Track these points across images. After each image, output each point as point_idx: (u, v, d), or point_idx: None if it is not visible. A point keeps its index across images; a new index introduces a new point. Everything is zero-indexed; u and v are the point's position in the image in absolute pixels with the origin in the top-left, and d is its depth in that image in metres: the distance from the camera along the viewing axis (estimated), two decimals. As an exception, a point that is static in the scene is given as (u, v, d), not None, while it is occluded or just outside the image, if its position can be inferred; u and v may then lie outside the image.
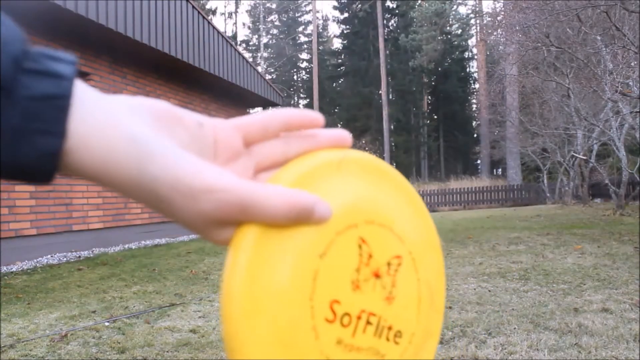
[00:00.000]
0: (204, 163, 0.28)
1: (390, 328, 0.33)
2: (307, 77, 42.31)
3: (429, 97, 38.56)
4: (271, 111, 0.33)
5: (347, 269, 0.32)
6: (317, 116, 0.33)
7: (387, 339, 0.32)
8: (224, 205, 0.28)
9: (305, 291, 0.29)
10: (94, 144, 0.26)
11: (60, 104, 0.25)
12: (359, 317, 0.31)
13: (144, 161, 0.27)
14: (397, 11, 37.30)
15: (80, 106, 0.26)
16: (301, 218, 0.29)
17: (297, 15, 43.23)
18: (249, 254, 0.28)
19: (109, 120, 0.27)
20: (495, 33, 17.61)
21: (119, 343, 2.86)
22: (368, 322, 0.32)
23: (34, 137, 0.25)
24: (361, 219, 0.33)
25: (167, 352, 2.72)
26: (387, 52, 34.91)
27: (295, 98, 43.64)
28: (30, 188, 6.13)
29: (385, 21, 35.46)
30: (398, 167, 38.06)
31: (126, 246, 7.56)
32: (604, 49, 8.63)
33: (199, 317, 3.42)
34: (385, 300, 0.33)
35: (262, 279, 0.28)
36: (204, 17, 8.91)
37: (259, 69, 33.26)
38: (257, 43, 41.57)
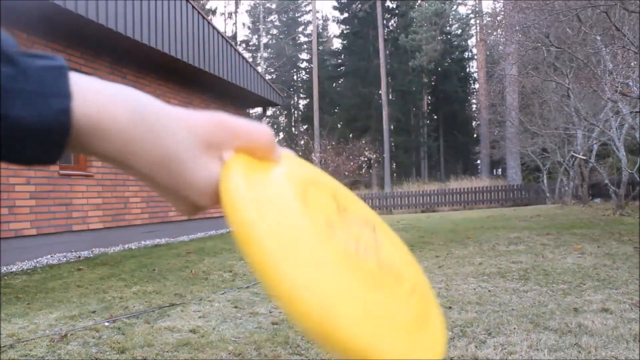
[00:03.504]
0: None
1: (390, 267, 0.34)
2: (307, 77, 42.28)
3: (429, 97, 38.54)
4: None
5: (329, 205, 0.34)
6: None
7: (390, 272, 0.33)
8: (215, 123, 0.32)
9: (301, 205, 0.31)
10: (92, 97, 0.30)
11: (61, 72, 0.29)
12: (357, 241, 0.32)
13: (138, 101, 0.31)
14: (397, 11, 37.28)
15: (74, 75, 0.30)
16: (272, 145, 0.34)
17: (297, 15, 43.20)
18: (244, 179, 0.31)
19: (101, 82, 0.31)
20: (495, 33, 17.60)
21: (119, 343, 2.86)
22: (366, 249, 0.33)
23: (49, 99, 0.28)
24: (328, 188, 0.37)
25: (167, 352, 2.72)
26: (387, 52, 34.89)
27: (295, 98, 43.63)
28: (31, 188, 6.13)
29: (385, 21, 35.44)
30: (398, 167, 38.09)
31: (126, 246, 7.56)
32: (604, 49, 8.63)
33: (199, 317, 3.42)
34: (374, 240, 0.35)
35: (264, 195, 0.30)
36: (204, 17, 8.91)
37: (259, 69, 33.28)
38: (257, 43, 41.56)
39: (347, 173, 16.71)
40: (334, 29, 79.84)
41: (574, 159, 14.23)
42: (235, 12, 45.63)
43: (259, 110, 16.00)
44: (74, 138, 0.30)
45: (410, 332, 0.30)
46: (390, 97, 35.57)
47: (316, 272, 0.27)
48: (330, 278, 0.27)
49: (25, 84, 0.28)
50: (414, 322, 0.31)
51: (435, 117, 38.55)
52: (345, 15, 37.98)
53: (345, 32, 38.53)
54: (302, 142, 31.23)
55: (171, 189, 0.32)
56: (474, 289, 3.96)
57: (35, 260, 6.07)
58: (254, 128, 0.33)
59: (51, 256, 6.36)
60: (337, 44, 42.71)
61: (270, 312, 3.50)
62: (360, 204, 0.39)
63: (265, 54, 39.79)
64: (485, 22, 28.55)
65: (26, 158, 0.29)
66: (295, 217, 0.30)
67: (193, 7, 8.54)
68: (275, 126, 43.66)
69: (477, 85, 36.22)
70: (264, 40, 40.09)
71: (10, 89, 0.28)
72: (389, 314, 0.29)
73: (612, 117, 10.72)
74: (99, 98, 0.30)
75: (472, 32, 37.06)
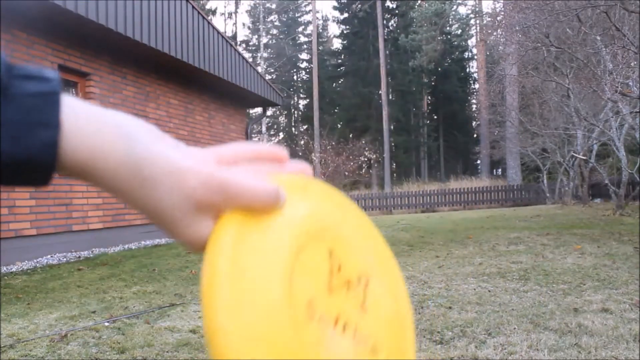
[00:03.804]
0: (189, 151, 0.31)
1: (366, 340, 0.33)
2: (307, 77, 42.28)
3: (429, 97, 38.54)
4: (242, 143, 0.36)
5: (321, 273, 0.32)
6: (283, 151, 0.36)
7: (365, 347, 0.33)
8: (209, 185, 0.29)
9: (284, 288, 0.30)
10: (85, 132, 0.28)
11: (53, 99, 0.28)
12: (336, 320, 0.32)
13: (132, 143, 0.29)
14: (397, 11, 37.27)
15: (68, 101, 0.29)
16: (273, 201, 0.31)
17: (297, 15, 43.20)
18: (230, 247, 0.29)
19: (96, 112, 0.29)
20: (495, 33, 17.61)
21: (119, 343, 2.86)
22: (345, 327, 0.32)
23: (35, 130, 0.27)
24: (329, 235, 0.34)
25: (167, 352, 2.72)
26: (387, 52, 34.89)
27: (295, 98, 43.62)
28: (31, 188, 6.12)
29: (385, 21, 35.43)
30: (398, 167, 38.08)
31: (126, 246, 7.56)
32: (604, 49, 8.63)
33: (199, 317, 3.42)
34: (360, 309, 0.34)
35: (244, 276, 0.29)
36: (204, 17, 8.91)
37: (259, 69, 33.27)
38: (257, 43, 41.55)
39: (347, 173, 16.71)
40: (334, 29, 79.85)
41: (574, 159, 14.24)
42: (235, 12, 45.63)
43: (259, 110, 16.00)
44: (64, 167, 0.29)
45: None
46: (390, 97, 35.56)
47: None
48: None
49: (12, 114, 0.27)
50: None
51: (435, 117, 38.54)
52: (345, 15, 37.97)
53: (345, 32, 38.52)
54: (302, 142, 31.22)
55: (160, 227, 0.31)
56: (474, 289, 3.96)
57: (35, 260, 6.07)
58: (253, 189, 0.30)
59: (51, 256, 6.36)
60: (337, 44, 42.72)
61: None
62: (364, 245, 0.37)
63: (265, 54, 39.78)
64: (485, 22, 28.56)
65: (14, 182, 0.28)
66: (272, 307, 0.29)
67: (193, 7, 8.54)
68: (275, 126, 43.68)
69: (477, 85, 36.22)
70: (264, 40, 40.08)
71: None
72: None
73: (612, 117, 10.72)
74: (91, 134, 0.28)
75: (472, 32, 37.07)
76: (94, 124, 0.28)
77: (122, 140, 0.29)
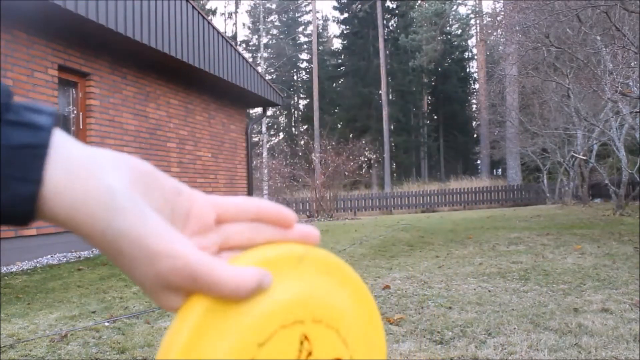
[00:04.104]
0: (169, 228, 0.30)
1: None
2: (307, 77, 42.28)
3: (429, 97, 38.55)
4: (250, 199, 0.35)
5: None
6: (290, 214, 0.35)
7: None
8: (178, 272, 0.29)
9: None
10: (67, 192, 0.28)
11: (37, 153, 0.27)
12: None
13: (112, 214, 0.28)
14: (397, 11, 37.28)
15: (58, 155, 0.28)
16: (246, 294, 0.30)
17: (297, 15, 43.20)
18: (190, 330, 0.29)
19: (86, 170, 0.28)
20: (495, 33, 17.61)
21: (119, 343, 2.86)
22: None
23: (10, 183, 0.27)
24: (309, 317, 0.33)
25: (167, 352, 2.72)
26: (387, 52, 34.89)
27: (295, 98, 43.63)
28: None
29: (385, 21, 35.44)
30: (398, 167, 38.08)
31: (126, 246, 7.56)
32: (604, 49, 8.63)
33: (199, 317, 3.42)
34: None
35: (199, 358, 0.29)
36: (204, 17, 8.91)
37: (259, 69, 33.25)
38: (257, 43, 41.54)
39: (347, 173, 16.70)
40: (334, 29, 79.83)
41: (574, 159, 14.24)
42: (235, 12, 45.61)
43: (259, 110, 16.00)
44: (43, 217, 0.29)
45: None
46: (390, 97, 35.57)
47: None
48: None
49: None
50: None
51: (435, 117, 38.55)
52: (345, 15, 37.99)
53: (345, 32, 38.54)
54: (302, 142, 31.22)
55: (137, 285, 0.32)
56: (474, 289, 3.96)
57: (35, 260, 6.07)
58: (226, 283, 0.29)
59: (51, 256, 6.36)
60: (337, 44, 42.74)
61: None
62: (346, 329, 0.35)
63: (265, 54, 39.76)
64: (485, 22, 28.55)
65: None
66: None
67: (193, 7, 8.54)
68: (275, 126, 43.68)
69: (477, 86, 36.22)
70: (264, 40, 40.05)
71: None
72: None
73: (612, 117, 10.73)
74: (73, 198, 0.28)
75: (472, 32, 37.08)
76: (78, 184, 0.28)
77: (103, 209, 0.28)
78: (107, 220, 0.28)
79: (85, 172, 0.28)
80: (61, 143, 0.28)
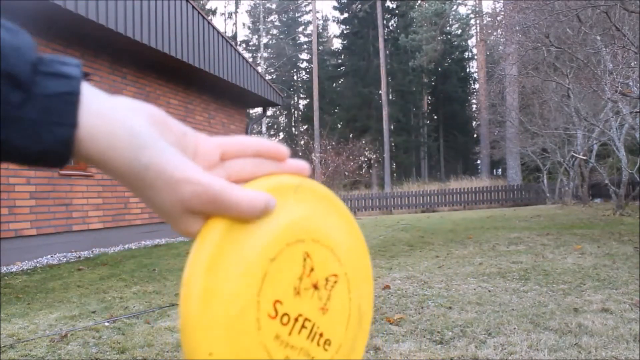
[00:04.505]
0: (187, 160, 0.34)
1: (321, 335, 0.38)
2: (307, 77, 42.27)
3: (429, 97, 38.54)
4: (248, 137, 0.39)
5: (291, 276, 0.37)
6: (284, 149, 0.39)
7: (318, 344, 0.38)
8: (200, 196, 0.33)
9: (254, 287, 0.34)
10: (99, 133, 0.31)
11: (71, 100, 0.30)
12: (296, 320, 0.36)
13: (138, 151, 0.32)
14: (397, 11, 37.28)
15: (88, 102, 0.31)
16: (259, 213, 0.34)
17: (297, 15, 43.20)
18: (213, 248, 0.33)
19: (113, 115, 0.32)
20: (495, 33, 17.62)
21: (119, 343, 2.86)
22: (303, 326, 0.36)
23: (52, 128, 0.30)
24: (309, 237, 0.38)
25: (167, 352, 2.72)
26: (387, 52, 34.89)
27: (295, 98, 43.62)
28: (31, 188, 6.13)
29: (385, 21, 35.43)
30: (398, 167, 38.08)
31: (126, 246, 7.56)
32: (604, 49, 8.63)
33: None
34: (320, 310, 0.38)
35: (220, 273, 0.33)
36: (204, 17, 8.91)
37: (259, 69, 33.25)
38: (257, 43, 41.54)
39: (347, 173, 16.70)
40: (334, 29, 79.85)
41: (574, 159, 14.24)
42: (235, 12, 45.62)
43: (259, 110, 15.99)
44: (77, 157, 0.32)
45: None
46: (390, 97, 35.57)
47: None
48: None
49: (32, 112, 0.29)
50: None
51: (435, 117, 38.55)
52: (345, 15, 37.98)
53: (345, 32, 38.53)
54: (302, 142, 31.21)
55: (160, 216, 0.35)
56: (474, 289, 3.96)
57: (35, 260, 6.07)
58: (242, 204, 0.33)
59: (51, 256, 6.36)
60: (337, 44, 42.74)
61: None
62: (339, 249, 0.40)
63: (265, 54, 39.77)
64: (485, 22, 28.55)
65: (28, 165, 0.32)
66: (240, 304, 0.33)
67: (193, 7, 8.54)
68: (275, 126, 43.68)
69: (477, 86, 36.22)
70: (264, 40, 40.07)
71: (16, 117, 0.29)
72: None
73: (612, 117, 10.72)
74: (104, 136, 0.31)
75: (472, 32, 37.07)
76: (107, 126, 0.31)
77: (130, 147, 0.32)
78: (133, 155, 0.32)
79: (112, 116, 0.31)
80: (89, 91, 0.32)
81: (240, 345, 0.33)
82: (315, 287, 0.38)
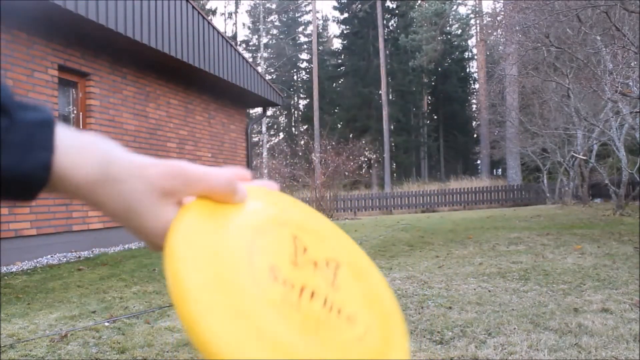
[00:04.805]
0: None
1: (340, 310, 0.35)
2: (307, 77, 42.25)
3: (429, 97, 38.53)
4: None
5: (284, 249, 0.35)
6: (248, 173, 0.41)
7: (338, 315, 0.34)
8: (169, 173, 0.34)
9: (242, 246, 0.33)
10: (70, 151, 0.33)
11: (49, 127, 0.33)
12: (302, 289, 0.34)
13: (103, 154, 0.34)
14: (397, 11, 37.26)
15: (61, 129, 0.34)
16: (230, 188, 0.35)
17: (297, 15, 43.18)
18: (192, 216, 0.33)
19: (79, 135, 0.34)
20: (495, 33, 17.62)
21: (119, 343, 2.86)
22: (313, 295, 0.34)
23: (34, 152, 0.32)
24: (293, 225, 0.38)
25: (167, 352, 2.72)
26: (387, 52, 34.88)
27: (295, 98, 43.61)
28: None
29: (385, 21, 35.42)
30: (398, 167, 38.07)
31: (126, 246, 7.56)
32: (604, 49, 8.63)
33: (199, 317, 3.41)
34: (330, 286, 0.36)
35: (202, 235, 0.32)
36: (204, 17, 8.90)
37: (259, 69, 33.22)
38: (257, 43, 41.53)
39: (347, 173, 16.69)
40: (334, 29, 79.76)
41: (574, 159, 14.23)
42: (235, 12, 45.61)
43: (259, 110, 15.99)
44: (52, 183, 0.34)
45: None
46: (390, 97, 35.56)
47: (236, 323, 0.29)
48: (250, 327, 0.29)
49: (16, 137, 0.32)
50: None
51: (435, 117, 38.54)
52: (345, 15, 37.96)
53: (345, 32, 38.51)
54: (302, 142, 31.22)
55: (135, 232, 0.36)
56: (474, 289, 3.96)
57: (35, 260, 6.07)
58: (210, 175, 0.35)
59: (51, 256, 6.36)
60: (337, 44, 42.71)
61: (270, 312, 3.49)
62: (333, 239, 0.39)
63: (265, 54, 39.76)
64: (485, 22, 28.55)
65: (6, 196, 0.33)
66: (230, 269, 0.31)
67: (193, 7, 8.54)
68: (275, 126, 43.67)
69: (477, 86, 36.21)
70: (264, 40, 40.06)
71: (3, 140, 0.31)
72: (319, 356, 0.31)
73: (612, 117, 10.72)
74: (75, 152, 0.34)
75: (472, 32, 37.06)
76: (77, 144, 0.34)
77: (96, 152, 0.34)
78: (100, 158, 0.34)
79: (79, 136, 0.34)
80: (58, 123, 0.35)
81: (235, 298, 0.30)
82: (316, 265, 0.36)
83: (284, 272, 0.33)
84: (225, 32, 40.89)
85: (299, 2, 41.95)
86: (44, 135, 0.32)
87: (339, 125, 37.14)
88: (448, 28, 35.99)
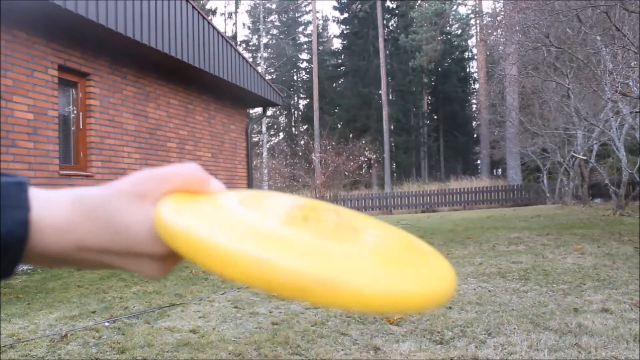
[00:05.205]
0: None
1: (351, 225, 0.35)
2: (307, 77, 42.25)
3: (429, 97, 38.53)
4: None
5: (279, 208, 0.36)
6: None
7: (350, 229, 0.34)
8: (140, 178, 0.36)
9: (230, 199, 0.35)
10: (43, 205, 0.34)
11: (23, 187, 0.34)
12: (305, 218, 0.34)
13: (76, 192, 0.36)
14: (397, 11, 37.26)
15: (33, 189, 0.35)
16: (200, 175, 0.37)
17: (297, 15, 43.18)
18: (178, 198, 0.34)
19: (51, 192, 0.36)
20: (495, 33, 17.61)
21: (119, 343, 2.86)
22: (319, 219, 0.34)
23: (11, 211, 0.33)
24: (282, 202, 0.38)
25: (167, 352, 2.72)
26: (387, 52, 34.88)
27: (295, 98, 43.60)
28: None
29: (385, 21, 35.42)
30: (398, 167, 38.06)
31: (126, 246, 7.55)
32: (604, 49, 8.63)
33: (199, 317, 3.42)
34: (337, 216, 0.36)
35: (188, 205, 0.34)
36: (204, 17, 8.90)
37: (259, 69, 33.22)
38: (257, 43, 41.52)
39: (347, 173, 16.71)
40: (334, 29, 79.75)
41: (574, 159, 14.23)
42: (235, 12, 45.58)
43: (259, 110, 15.99)
44: (30, 248, 0.34)
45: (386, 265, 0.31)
46: (390, 97, 35.55)
47: (249, 234, 0.30)
48: (264, 238, 0.30)
49: None
50: (383, 261, 0.31)
51: (435, 117, 38.53)
52: (345, 15, 37.95)
53: (345, 32, 38.50)
54: (302, 142, 31.21)
55: (127, 252, 0.36)
56: (474, 289, 3.96)
57: (35, 260, 6.06)
58: (179, 168, 0.37)
59: (51, 256, 6.36)
60: (337, 44, 42.71)
61: (270, 312, 3.49)
62: (332, 209, 0.39)
63: (265, 54, 39.75)
64: (485, 22, 28.55)
65: None
66: (230, 207, 0.33)
67: (193, 7, 8.54)
68: (275, 126, 43.66)
69: (477, 86, 36.21)
70: (264, 40, 40.04)
71: None
72: (344, 254, 0.30)
73: (612, 117, 10.72)
74: (47, 206, 0.35)
75: (472, 32, 37.06)
76: (49, 197, 0.35)
77: (67, 195, 0.35)
78: (73, 196, 0.35)
79: (51, 193, 0.36)
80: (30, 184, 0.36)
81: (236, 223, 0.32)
82: (318, 219, 0.35)
83: (285, 217, 0.34)
84: (225, 32, 40.89)
85: (299, 2, 41.95)
86: (19, 195, 0.34)
87: (339, 125, 37.13)
88: (448, 28, 36.00)
